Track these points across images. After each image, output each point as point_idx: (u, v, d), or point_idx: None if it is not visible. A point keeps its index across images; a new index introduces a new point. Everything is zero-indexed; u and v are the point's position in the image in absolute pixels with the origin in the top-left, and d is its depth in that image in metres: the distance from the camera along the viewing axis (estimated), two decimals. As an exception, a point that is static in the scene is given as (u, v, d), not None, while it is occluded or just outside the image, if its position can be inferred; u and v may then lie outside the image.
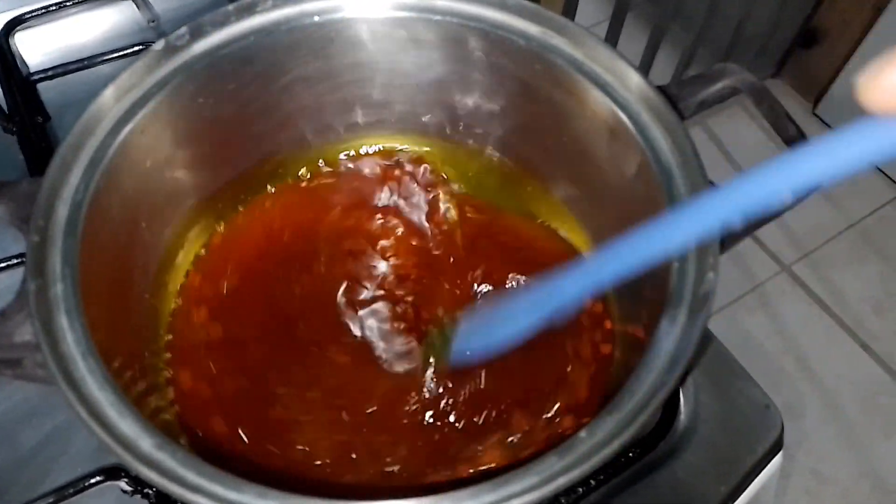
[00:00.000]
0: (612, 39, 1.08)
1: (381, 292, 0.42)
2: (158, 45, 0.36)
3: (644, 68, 1.15)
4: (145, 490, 0.37)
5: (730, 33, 1.19)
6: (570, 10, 0.99)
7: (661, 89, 0.34)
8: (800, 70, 1.34)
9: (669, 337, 0.28)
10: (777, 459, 0.44)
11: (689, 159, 0.32)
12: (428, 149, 0.46)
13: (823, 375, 1.10)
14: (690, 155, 0.32)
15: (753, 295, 1.18)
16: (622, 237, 0.27)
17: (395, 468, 0.36)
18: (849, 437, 1.05)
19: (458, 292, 0.41)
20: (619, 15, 1.05)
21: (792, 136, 0.33)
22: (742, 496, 0.42)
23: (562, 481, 0.25)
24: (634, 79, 0.35)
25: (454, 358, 0.37)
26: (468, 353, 0.37)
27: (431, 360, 0.39)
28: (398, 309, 0.41)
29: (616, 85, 0.35)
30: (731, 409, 0.43)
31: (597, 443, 0.26)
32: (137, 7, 0.53)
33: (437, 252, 0.43)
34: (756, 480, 0.42)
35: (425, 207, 0.44)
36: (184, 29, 0.36)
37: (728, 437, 0.42)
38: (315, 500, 0.25)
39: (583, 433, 0.26)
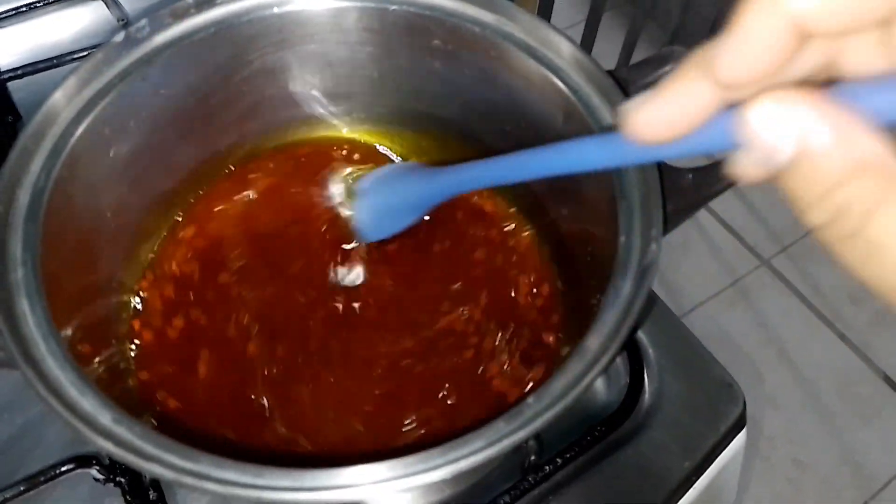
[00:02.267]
0: (589, 37, 1.09)
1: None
2: (118, 37, 0.37)
3: (622, 66, 1.16)
4: (118, 479, 0.38)
5: (706, 30, 1.21)
6: (546, 8, 1.01)
7: (611, 73, 0.35)
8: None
9: (614, 306, 0.29)
10: (741, 436, 0.44)
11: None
12: (389, 137, 0.47)
13: (803, 366, 1.12)
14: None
15: (734, 289, 1.19)
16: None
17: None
18: (828, 426, 1.07)
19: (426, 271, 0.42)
20: (596, 13, 1.06)
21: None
22: (706, 472, 0.43)
23: (506, 443, 0.25)
24: (585, 63, 0.36)
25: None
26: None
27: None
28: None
29: (567, 69, 0.36)
30: (695, 388, 0.44)
31: (542, 407, 0.27)
32: (107, 6, 0.54)
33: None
34: (720, 457, 0.43)
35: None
36: (144, 21, 0.37)
37: (692, 415, 0.43)
38: (270, 469, 0.26)
39: (531, 399, 0.27)
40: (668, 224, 0.31)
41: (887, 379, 1.10)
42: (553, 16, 1.02)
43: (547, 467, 0.39)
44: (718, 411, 0.44)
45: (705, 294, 1.18)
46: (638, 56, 1.14)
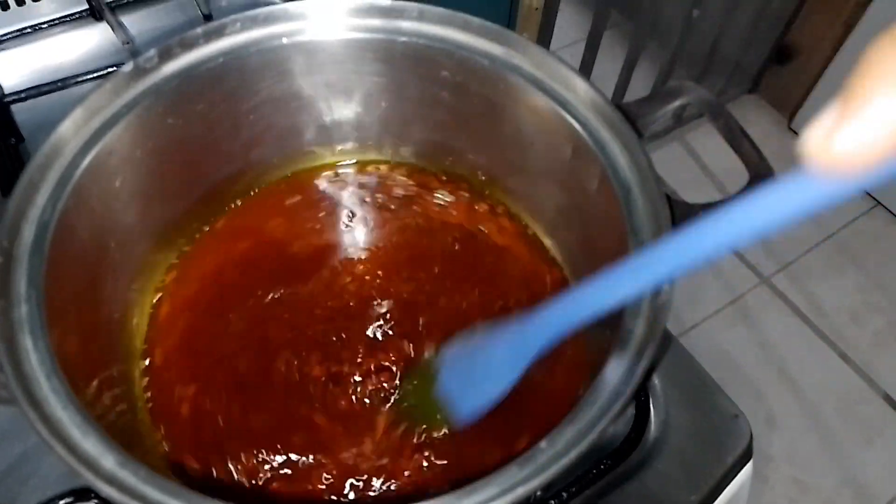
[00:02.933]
0: (589, 57, 1.10)
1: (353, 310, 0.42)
2: (127, 66, 0.36)
3: (622, 86, 1.17)
4: (116, 511, 0.37)
5: (706, 50, 1.22)
6: (546, 29, 1.01)
7: (620, 107, 0.35)
8: (775, 86, 1.37)
9: (627, 349, 0.28)
10: (748, 468, 0.44)
11: (645, 174, 0.33)
12: (398, 167, 0.46)
13: (804, 386, 1.11)
14: (647, 170, 0.33)
15: (734, 307, 1.19)
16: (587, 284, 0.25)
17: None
18: (830, 446, 1.06)
19: (440, 306, 0.42)
20: (596, 33, 1.07)
21: (746, 153, 0.34)
22: (713, 506, 0.42)
23: (520, 491, 0.25)
24: (593, 97, 0.35)
25: (456, 417, 0.35)
26: (464, 409, 0.34)
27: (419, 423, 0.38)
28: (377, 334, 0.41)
29: (576, 103, 0.36)
30: (701, 419, 0.44)
31: (556, 452, 0.26)
32: (112, 29, 0.54)
33: (410, 270, 0.43)
34: (727, 489, 0.43)
35: (396, 223, 0.45)
36: (152, 51, 0.37)
37: (698, 448, 0.43)
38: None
39: (543, 443, 0.27)
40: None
41: (889, 399, 1.10)
42: (553, 35, 1.03)
43: (552, 501, 0.39)
44: (725, 443, 0.43)
45: (705, 312, 1.17)
46: (638, 75, 1.15)
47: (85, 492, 0.37)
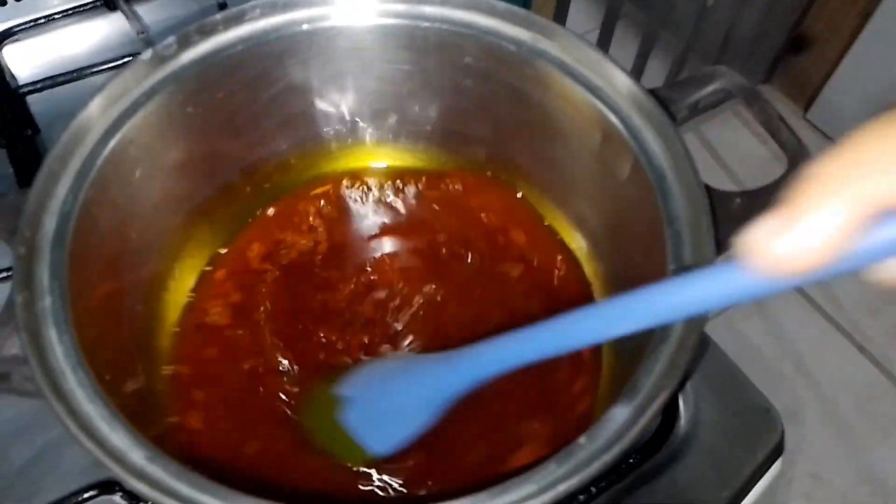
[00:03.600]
0: (602, 47, 1.08)
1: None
2: (146, 54, 0.36)
3: (635, 75, 1.15)
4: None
5: (720, 40, 1.20)
6: (560, 18, 1.00)
7: (653, 92, 0.34)
8: (790, 76, 1.35)
9: (666, 341, 0.28)
10: (777, 464, 0.43)
11: (681, 161, 0.32)
12: (420, 156, 0.46)
13: (821, 379, 1.10)
14: (682, 157, 0.32)
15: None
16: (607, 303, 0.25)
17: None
18: (847, 440, 1.05)
19: (466, 311, 0.41)
20: (610, 22, 1.05)
21: (784, 139, 0.33)
22: (743, 502, 0.41)
23: (561, 489, 0.24)
24: (625, 82, 0.35)
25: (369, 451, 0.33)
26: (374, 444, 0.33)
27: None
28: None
29: (606, 88, 0.35)
30: (732, 413, 0.43)
31: (597, 449, 0.25)
32: (127, 18, 0.53)
33: (440, 266, 0.42)
34: (757, 486, 0.42)
35: (420, 215, 0.44)
36: (171, 38, 0.36)
37: (728, 443, 0.42)
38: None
39: (582, 439, 0.26)
40: (720, 251, 0.30)
41: (907, 392, 1.09)
42: (566, 24, 1.01)
43: (580, 496, 0.38)
44: (756, 438, 0.43)
45: (720, 305, 1.16)
46: (651, 65, 1.14)
47: (109, 484, 0.37)
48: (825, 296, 1.17)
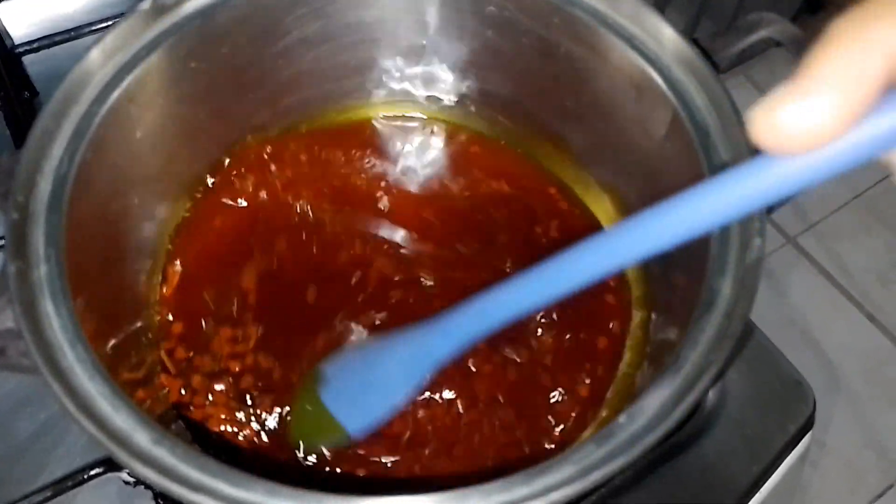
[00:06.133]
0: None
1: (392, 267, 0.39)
2: (145, 4, 0.33)
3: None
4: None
5: (734, 1, 1.16)
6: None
7: (694, 41, 0.31)
8: (806, 37, 1.31)
9: (713, 312, 0.25)
10: (807, 438, 0.42)
11: (727, 116, 0.29)
12: (439, 114, 0.43)
13: (828, 347, 1.09)
14: (729, 111, 0.29)
15: (759, 267, 1.16)
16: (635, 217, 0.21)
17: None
18: (854, 408, 1.04)
19: (477, 269, 0.39)
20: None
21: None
22: (773, 476, 0.40)
23: (602, 472, 0.22)
24: (665, 31, 0.32)
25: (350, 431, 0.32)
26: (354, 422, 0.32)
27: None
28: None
29: (644, 38, 0.32)
30: (761, 385, 0.41)
31: (639, 428, 0.24)
32: (124, -28, 0.50)
33: (449, 224, 0.40)
34: (787, 460, 0.41)
35: (437, 174, 0.42)
36: (171, -14, 0.33)
37: (758, 415, 0.40)
38: (330, 497, 0.23)
39: (622, 418, 0.24)
40: (769, 215, 0.27)
41: (916, 361, 1.08)
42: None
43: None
44: (787, 411, 0.41)
45: (730, 273, 1.15)
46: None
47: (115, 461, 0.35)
48: (836, 265, 1.15)
